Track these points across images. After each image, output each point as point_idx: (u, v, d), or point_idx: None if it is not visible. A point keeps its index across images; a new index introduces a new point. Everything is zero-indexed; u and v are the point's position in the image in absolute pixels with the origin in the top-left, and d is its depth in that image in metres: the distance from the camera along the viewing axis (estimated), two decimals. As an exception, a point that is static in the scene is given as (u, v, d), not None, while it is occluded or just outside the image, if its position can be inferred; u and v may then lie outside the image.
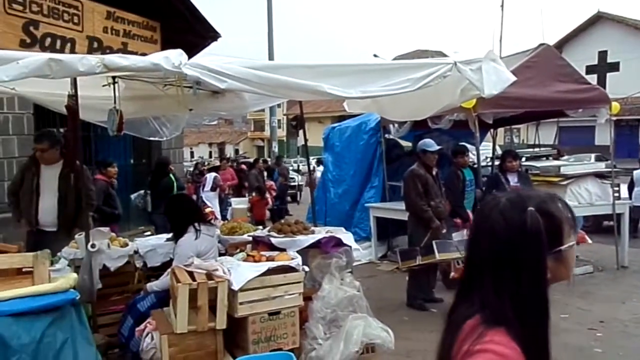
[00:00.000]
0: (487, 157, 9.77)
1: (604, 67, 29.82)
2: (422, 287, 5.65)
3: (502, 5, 24.29)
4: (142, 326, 3.43)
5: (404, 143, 8.74)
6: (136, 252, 4.31)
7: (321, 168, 12.36)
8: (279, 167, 12.98)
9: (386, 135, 8.08)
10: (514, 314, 1.04)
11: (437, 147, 5.61)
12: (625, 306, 5.27)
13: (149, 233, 6.59)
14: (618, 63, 29.58)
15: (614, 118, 6.98)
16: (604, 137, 23.03)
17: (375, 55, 25.55)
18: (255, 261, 3.58)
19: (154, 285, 3.78)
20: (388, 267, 7.29)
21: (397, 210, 6.80)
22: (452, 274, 5.73)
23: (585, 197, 6.81)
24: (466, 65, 3.68)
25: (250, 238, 4.40)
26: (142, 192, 7.39)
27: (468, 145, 6.85)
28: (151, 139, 5.74)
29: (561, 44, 30.59)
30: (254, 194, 11.04)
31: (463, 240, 5.55)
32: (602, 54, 30.30)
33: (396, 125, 7.48)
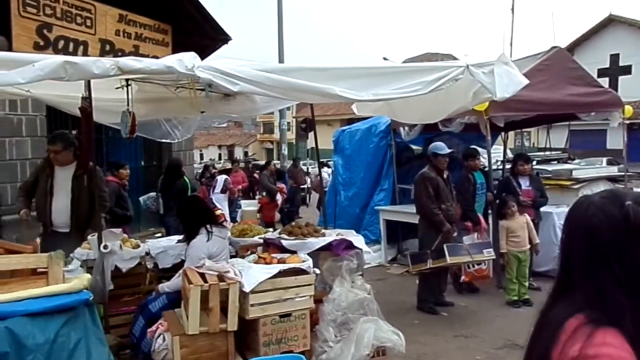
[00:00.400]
0: (498, 161, 9.71)
1: (616, 70, 29.55)
2: (432, 291, 5.63)
3: (512, 9, 24.17)
4: (153, 327, 3.44)
5: (413, 147, 8.72)
6: (147, 253, 4.34)
7: (326, 170, 12.35)
8: (296, 169, 12.91)
9: (396, 139, 8.07)
10: (629, 314, 1.01)
11: (448, 150, 5.59)
12: None
13: (159, 235, 6.63)
14: (630, 66, 29.31)
15: (627, 122, 6.93)
16: (615, 140, 22.82)
17: (384, 59, 25.52)
18: (266, 263, 3.59)
19: (165, 286, 3.80)
20: (398, 270, 7.27)
21: (407, 214, 6.78)
22: (463, 277, 5.70)
23: (598, 201, 6.75)
24: (478, 68, 3.67)
25: (261, 240, 4.42)
26: (152, 194, 7.43)
27: (479, 149, 6.82)
28: (163, 141, 5.78)
29: (573, 47, 30.36)
30: (264, 194, 11.06)
31: (474, 243, 5.52)
32: (614, 57, 30.03)
33: (406, 128, 7.47)
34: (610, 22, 30.89)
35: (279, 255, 3.74)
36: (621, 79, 28.85)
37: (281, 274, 3.42)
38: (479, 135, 6.66)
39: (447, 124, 6.49)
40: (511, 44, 24.68)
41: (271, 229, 5.09)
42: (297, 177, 12.65)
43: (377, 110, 5.20)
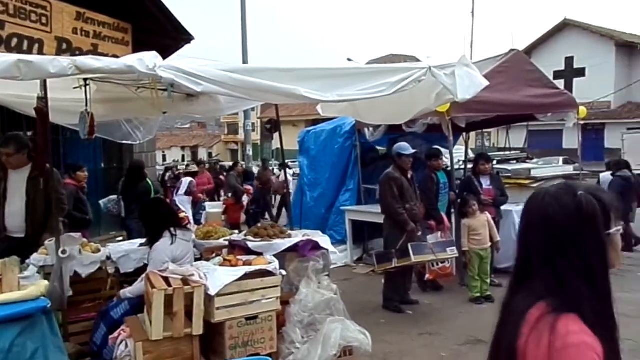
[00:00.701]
0: (460, 161, 9.90)
1: (570, 72, 30.67)
2: (398, 290, 5.69)
3: (472, 12, 24.72)
4: (115, 334, 3.35)
5: (378, 147, 8.81)
6: (108, 258, 4.22)
7: (290, 172, 12.30)
8: (266, 170, 12.75)
9: (361, 140, 8.13)
10: (587, 298, 1.05)
11: (412, 151, 5.67)
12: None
13: (121, 238, 6.46)
14: (584, 69, 30.47)
15: (581, 122, 7.19)
16: (571, 140, 23.67)
17: (349, 60, 25.68)
18: (232, 266, 3.55)
19: (127, 291, 3.70)
20: (364, 269, 7.32)
21: (372, 213, 6.83)
22: (427, 275, 5.80)
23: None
24: (440, 70, 3.74)
25: (227, 242, 4.36)
26: (113, 197, 7.24)
27: (441, 149, 6.95)
28: (124, 142, 5.64)
29: (530, 50, 31.32)
30: (229, 195, 10.93)
31: (438, 242, 5.62)
32: (569, 60, 31.16)
33: (371, 129, 7.53)
34: (565, 26, 32.03)
35: (244, 258, 3.71)
36: (576, 81, 29.95)
37: (247, 276, 3.39)
38: (441, 136, 6.79)
39: (411, 124, 6.57)
40: (472, 46, 25.19)
41: (236, 231, 5.04)
42: (267, 178, 12.55)
43: (342, 111, 5.23)
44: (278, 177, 12.08)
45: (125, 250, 4.34)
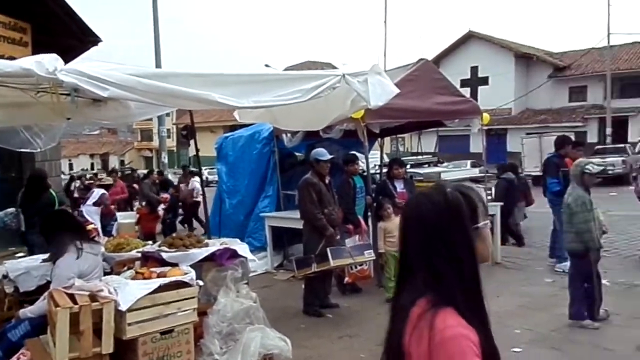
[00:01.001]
0: (375, 165, 10.21)
1: (475, 81, 32.72)
2: (317, 294, 5.74)
3: (385, 21, 25.63)
4: (14, 358, 3.08)
5: (296, 153, 8.85)
6: (5, 276, 3.88)
7: (197, 179, 11.91)
8: (186, 178, 12.23)
9: (279, 146, 8.12)
10: (459, 290, 1.11)
11: (329, 156, 5.76)
12: (499, 300, 5.78)
13: (21, 254, 5.97)
14: (487, 77, 32.63)
15: (485, 127, 7.67)
16: (477, 145, 25.22)
17: (267, 65, 25.63)
18: (144, 278, 3.39)
19: (27, 311, 3.42)
20: (284, 276, 7.31)
21: (292, 219, 6.85)
22: (347, 279, 5.90)
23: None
24: (354, 77, 3.83)
25: (139, 254, 4.17)
26: (11, 210, 6.67)
27: (358, 154, 7.12)
28: (22, 150, 5.23)
29: (438, 59, 33.05)
30: (143, 204, 10.48)
31: (355, 245, 5.74)
32: (474, 69, 33.24)
33: (289, 135, 7.56)
34: (470, 37, 34.15)
35: (158, 269, 3.56)
36: (480, 89, 32.00)
37: (161, 288, 3.26)
38: (357, 142, 6.95)
39: (328, 130, 6.68)
40: (385, 55, 26.17)
41: (150, 242, 4.83)
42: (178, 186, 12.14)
43: (259, 117, 5.20)
44: (187, 184, 11.71)
45: (25, 267, 4.00)
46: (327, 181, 5.74)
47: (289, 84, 3.68)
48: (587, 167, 4.83)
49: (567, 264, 5.56)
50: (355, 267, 5.75)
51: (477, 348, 1.07)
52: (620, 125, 27.30)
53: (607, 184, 18.72)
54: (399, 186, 6.60)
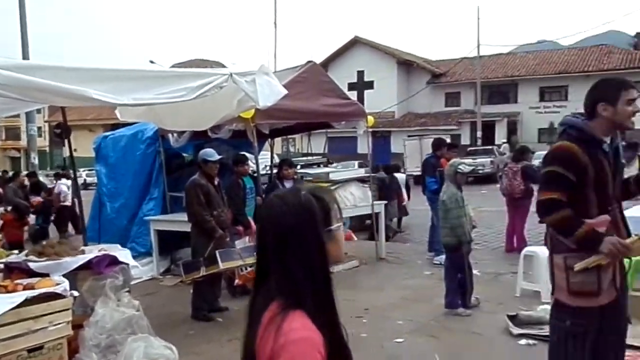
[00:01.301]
0: (266, 166, 10.21)
1: (362, 85, 34.12)
2: (206, 298, 5.59)
3: (275, 23, 25.76)
4: None
5: (184, 153, 8.56)
6: None
7: (65, 182, 11.02)
8: (65, 178, 11.10)
9: (165, 146, 7.80)
10: (309, 292, 1.12)
11: (218, 157, 5.64)
12: (384, 293, 6.08)
13: None
14: (373, 82, 34.18)
15: (370, 130, 8.02)
16: (364, 146, 26.33)
17: (151, 62, 24.50)
18: (8, 292, 3.07)
19: None
20: (172, 281, 7.02)
21: (179, 222, 6.61)
22: (237, 281, 5.82)
23: (350, 200, 7.64)
24: (241, 77, 3.81)
25: (1, 265, 3.76)
26: None
27: (248, 155, 7.06)
28: None
29: (327, 62, 33.97)
30: (8, 210, 9.47)
31: (246, 247, 5.68)
32: (360, 73, 34.64)
33: (175, 134, 7.29)
34: (356, 42, 35.54)
35: (25, 281, 3.24)
36: (366, 92, 33.41)
37: (29, 301, 2.97)
38: (247, 142, 6.90)
39: (216, 130, 6.55)
40: (275, 56, 26.35)
41: (16, 251, 4.38)
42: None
43: (141, 115, 4.96)
44: (53, 187, 10.79)
45: None
46: (216, 182, 5.62)
47: (174, 81, 3.56)
48: (459, 166, 5.25)
49: (444, 256, 6.00)
50: (246, 269, 5.69)
51: (322, 349, 1.09)
52: (489, 129, 30.08)
53: (478, 183, 20.55)
54: (289, 186, 6.65)
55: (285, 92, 4.04)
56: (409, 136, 27.29)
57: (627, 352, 3.15)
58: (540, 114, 30.65)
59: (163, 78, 3.61)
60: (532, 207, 6.69)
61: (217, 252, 5.19)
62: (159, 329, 4.18)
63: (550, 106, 30.37)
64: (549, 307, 4.69)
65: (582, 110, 2.67)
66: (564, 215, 2.46)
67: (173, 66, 26.90)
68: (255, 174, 6.79)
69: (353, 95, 27.37)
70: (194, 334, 5.04)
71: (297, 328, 1.08)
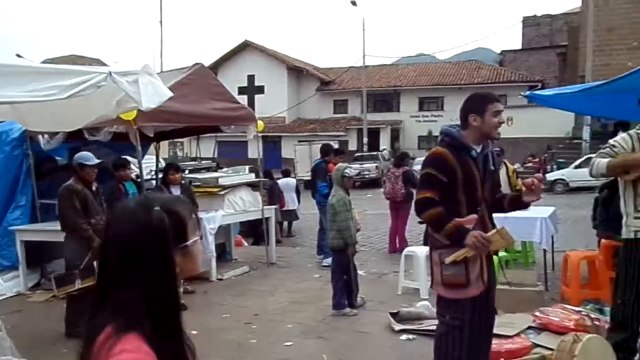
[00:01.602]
0: (151, 171, 9.75)
1: (252, 89, 34.05)
2: (82, 313, 5.18)
3: (160, 22, 24.80)
4: None
5: (58, 157, 7.87)
6: None
7: None
8: None
9: (35, 149, 7.11)
10: (146, 313, 1.05)
11: (97, 161, 5.27)
12: (274, 297, 6.09)
13: None
14: (263, 86, 34.25)
15: (260, 134, 8.00)
16: (254, 150, 26.23)
17: (18, 56, 22.24)
18: None
19: None
20: (42, 296, 6.40)
21: (50, 232, 6.06)
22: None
23: (240, 205, 7.56)
24: (122, 76, 3.60)
25: None
26: None
27: (130, 159, 6.69)
28: None
29: (217, 65, 33.44)
30: None
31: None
32: (251, 78, 34.56)
33: (46, 136, 6.68)
34: (246, 46, 35.38)
35: None
36: (257, 97, 33.40)
37: None
38: (130, 145, 6.52)
39: (95, 132, 6.12)
40: (161, 56, 25.33)
41: None
42: None
43: (3, 115, 4.47)
44: None
45: None
46: (94, 188, 5.25)
47: (44, 78, 3.27)
48: (345, 171, 5.44)
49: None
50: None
51: None
52: (374, 136, 31.55)
53: (364, 187, 21.44)
54: (175, 192, 6.40)
55: (170, 94, 3.89)
56: (299, 141, 27.73)
57: (493, 341, 3.47)
58: (419, 122, 32.82)
59: (32, 74, 3.30)
60: (413, 210, 7.15)
61: (95, 262, 4.84)
62: (29, 350, 3.79)
63: (428, 115, 32.67)
64: (427, 303, 5.06)
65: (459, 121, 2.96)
66: (435, 212, 2.72)
67: (45, 62, 24.71)
68: (139, 179, 6.45)
69: (243, 99, 27.22)
70: (67, 353, 4.63)
71: (129, 350, 1.00)
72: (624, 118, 7.17)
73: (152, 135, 6.37)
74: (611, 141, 3.46)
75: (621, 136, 3.46)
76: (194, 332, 4.53)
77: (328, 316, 5.27)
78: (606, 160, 3.32)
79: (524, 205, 2.88)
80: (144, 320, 1.04)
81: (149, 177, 9.05)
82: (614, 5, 24.31)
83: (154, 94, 3.74)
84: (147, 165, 8.60)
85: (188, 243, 1.17)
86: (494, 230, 2.75)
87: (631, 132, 3.43)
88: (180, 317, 1.12)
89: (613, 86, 5.18)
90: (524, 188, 2.83)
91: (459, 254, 2.67)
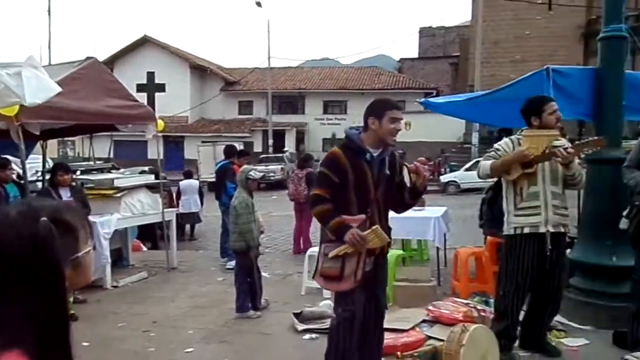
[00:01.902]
0: (37, 171, 9.00)
1: (152, 87, 32.65)
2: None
3: (49, 11, 23.00)
4: None
5: None
6: None
7: None
8: None
9: None
10: (30, 330, 0.97)
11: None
12: (175, 303, 5.88)
13: None
14: (164, 84, 32.99)
15: (161, 134, 7.69)
16: (155, 151, 25.19)
17: None
18: None
19: None
20: None
21: None
22: None
23: (139, 208, 7.22)
24: (2, 68, 3.30)
25: None
26: None
27: (11, 158, 6.13)
28: None
29: (113, 60, 31.68)
30: None
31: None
32: (151, 75, 33.13)
33: None
34: (145, 42, 33.88)
35: None
36: (157, 95, 32.09)
37: None
38: (12, 143, 5.97)
39: (-31, 129, 5.52)
40: (49, 48, 23.42)
41: None
42: None
43: None
44: None
45: None
46: (-33, 190, 4.74)
47: None
48: (250, 173, 5.40)
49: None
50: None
51: None
52: (280, 137, 31.67)
53: (269, 189, 21.45)
54: (65, 194, 5.96)
55: (59, 89, 3.63)
56: (202, 142, 27.05)
57: (389, 335, 3.63)
58: (324, 125, 33.49)
59: None
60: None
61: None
62: None
63: (332, 118, 33.44)
64: (330, 302, 5.17)
65: (361, 124, 3.12)
66: (323, 208, 2.91)
67: None
68: (22, 181, 5.92)
69: (143, 97, 26.01)
70: None
71: None
72: (507, 125, 7.88)
73: (38, 132, 5.87)
74: (496, 145, 3.81)
75: (504, 141, 3.81)
76: (85, 343, 4.26)
77: (231, 320, 5.20)
78: (490, 162, 3.65)
79: (420, 191, 3.07)
80: (27, 337, 0.96)
81: (34, 178, 8.35)
82: (499, 20, 26.58)
83: (39, 89, 3.48)
84: (32, 165, 7.93)
85: (79, 254, 1.10)
86: (369, 230, 2.90)
87: (513, 137, 3.79)
88: (69, 333, 1.03)
89: (496, 95, 5.66)
90: (414, 177, 3.02)
91: (340, 249, 2.86)
